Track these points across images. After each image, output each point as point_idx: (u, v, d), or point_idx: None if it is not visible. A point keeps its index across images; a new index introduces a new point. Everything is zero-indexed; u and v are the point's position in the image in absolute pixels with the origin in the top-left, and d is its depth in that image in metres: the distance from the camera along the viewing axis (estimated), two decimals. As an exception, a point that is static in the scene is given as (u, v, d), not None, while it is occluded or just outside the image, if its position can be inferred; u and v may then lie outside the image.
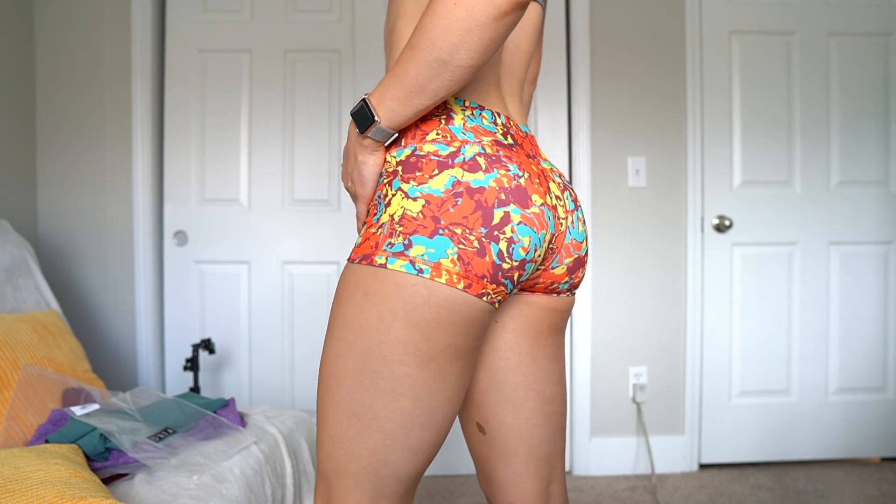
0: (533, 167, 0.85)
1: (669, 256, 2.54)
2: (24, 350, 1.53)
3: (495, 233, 0.78)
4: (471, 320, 0.80)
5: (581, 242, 0.92)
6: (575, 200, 0.93)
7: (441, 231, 0.77)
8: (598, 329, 2.54)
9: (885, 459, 2.62)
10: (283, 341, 2.55)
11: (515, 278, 0.82)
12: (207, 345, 2.31)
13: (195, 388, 2.31)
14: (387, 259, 0.78)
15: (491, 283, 0.79)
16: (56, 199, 2.47)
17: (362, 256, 0.81)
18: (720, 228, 2.54)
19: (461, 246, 0.77)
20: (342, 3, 2.51)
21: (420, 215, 0.78)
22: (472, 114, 0.85)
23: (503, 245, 0.78)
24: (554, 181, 0.88)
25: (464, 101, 0.86)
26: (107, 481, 1.27)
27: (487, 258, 0.78)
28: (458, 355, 0.82)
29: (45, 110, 2.46)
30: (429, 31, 0.72)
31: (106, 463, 1.29)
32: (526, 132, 0.92)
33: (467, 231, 0.77)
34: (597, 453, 2.53)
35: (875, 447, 2.60)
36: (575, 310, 2.52)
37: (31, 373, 1.48)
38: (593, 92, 2.51)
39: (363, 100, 0.80)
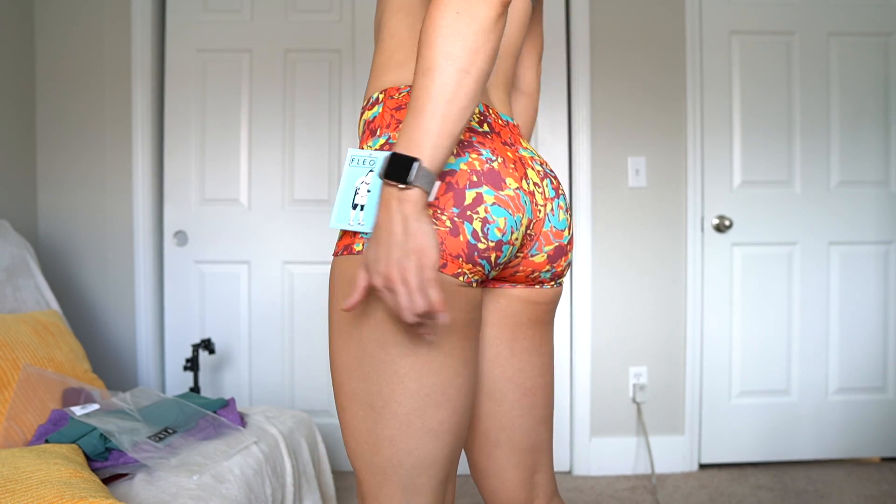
0: (509, 153, 0.86)
1: (669, 256, 2.54)
2: (24, 350, 1.53)
3: (468, 213, 0.79)
4: (451, 296, 0.80)
5: (562, 231, 0.92)
6: (556, 188, 0.93)
7: None
8: (598, 329, 2.54)
9: (885, 459, 2.62)
10: (283, 341, 2.55)
11: (492, 259, 0.82)
12: (207, 345, 2.31)
13: (195, 388, 2.31)
14: (363, 245, 0.79)
15: (467, 263, 0.80)
16: (56, 199, 2.47)
17: (344, 247, 0.82)
18: (720, 228, 2.54)
19: (434, 226, 0.77)
20: (342, 3, 2.51)
21: None
22: None
23: (477, 225, 0.79)
24: (533, 168, 0.89)
25: None
26: (107, 481, 1.27)
27: (461, 238, 0.79)
28: (453, 328, 0.82)
29: (45, 110, 2.46)
30: (440, 46, 0.71)
31: (106, 463, 1.29)
32: (507, 121, 0.93)
33: (439, 211, 0.79)
34: (597, 453, 2.53)
35: (875, 447, 2.60)
36: (575, 310, 2.52)
37: (31, 373, 1.48)
38: (593, 92, 2.51)
39: (390, 154, 0.72)
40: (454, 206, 0.79)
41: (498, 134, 0.88)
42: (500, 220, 0.81)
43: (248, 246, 2.53)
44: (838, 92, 2.56)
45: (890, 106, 2.57)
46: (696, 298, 2.53)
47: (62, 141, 2.47)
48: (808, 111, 2.55)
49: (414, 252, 0.71)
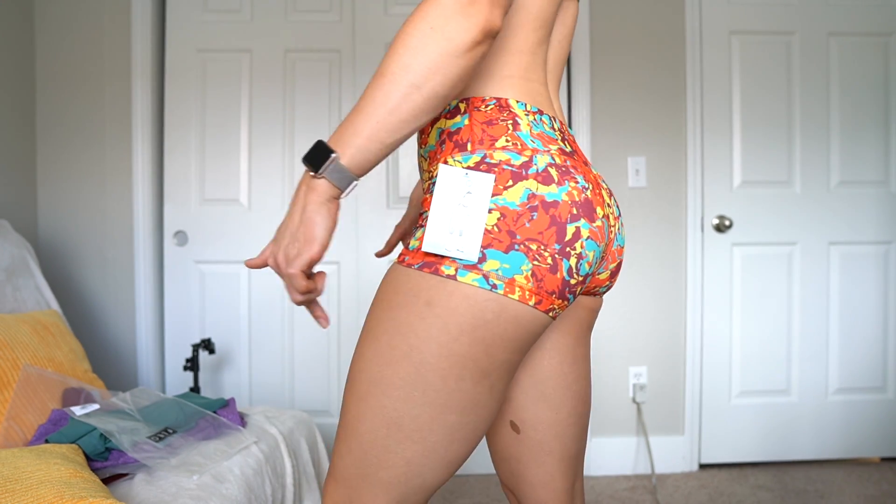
0: (591, 176, 0.84)
1: (669, 256, 2.54)
2: (24, 350, 1.53)
3: (567, 249, 0.77)
4: (532, 336, 0.80)
5: (623, 247, 0.92)
6: (618, 205, 0.92)
7: (516, 246, 0.75)
8: (598, 329, 2.54)
9: (885, 459, 2.62)
10: (283, 341, 2.55)
11: (578, 292, 0.82)
12: (207, 345, 2.31)
13: (195, 388, 2.31)
14: (456, 270, 0.76)
15: (558, 299, 0.79)
16: (56, 199, 2.47)
17: (424, 263, 0.78)
18: (720, 228, 2.53)
19: (535, 262, 0.76)
20: (342, 3, 2.51)
21: (495, 228, 0.75)
22: (535, 119, 0.83)
23: (573, 261, 0.78)
24: (603, 187, 0.87)
25: (525, 105, 0.83)
26: (107, 481, 1.27)
27: (559, 274, 0.77)
28: (510, 370, 0.81)
29: (45, 110, 2.46)
30: (401, 56, 0.70)
31: (106, 463, 1.29)
32: (572, 134, 0.91)
33: (542, 247, 0.76)
34: (597, 453, 2.53)
35: (875, 447, 2.60)
36: (575, 310, 2.53)
37: (31, 373, 1.48)
38: (593, 92, 2.51)
39: (317, 141, 0.73)
40: (556, 241, 0.76)
41: (577, 153, 0.86)
42: (590, 255, 0.79)
43: (248, 246, 2.53)
44: (838, 92, 2.56)
45: (890, 106, 2.57)
46: (696, 298, 2.53)
47: (62, 141, 2.47)
48: (808, 111, 2.55)
49: (299, 241, 0.73)
